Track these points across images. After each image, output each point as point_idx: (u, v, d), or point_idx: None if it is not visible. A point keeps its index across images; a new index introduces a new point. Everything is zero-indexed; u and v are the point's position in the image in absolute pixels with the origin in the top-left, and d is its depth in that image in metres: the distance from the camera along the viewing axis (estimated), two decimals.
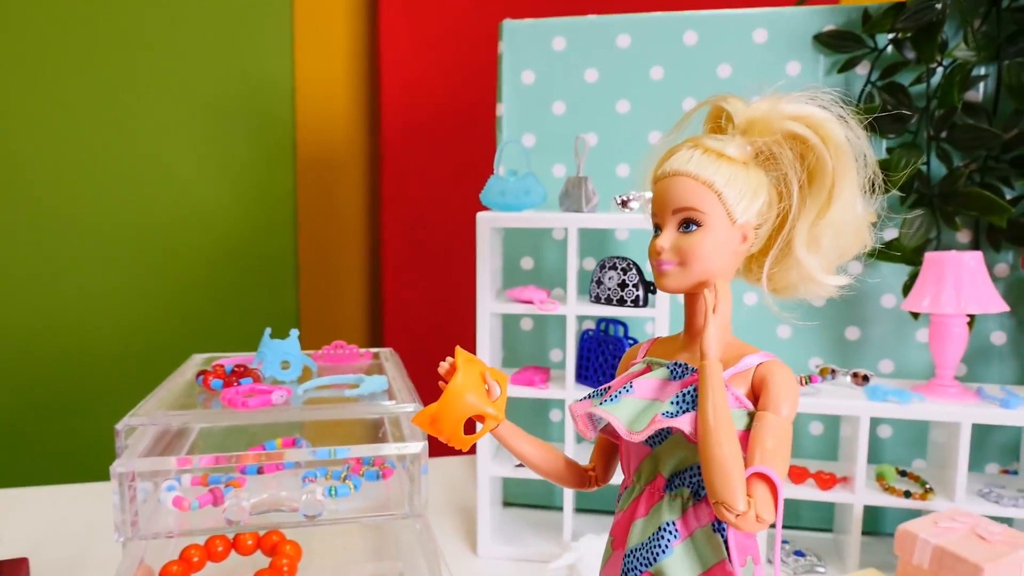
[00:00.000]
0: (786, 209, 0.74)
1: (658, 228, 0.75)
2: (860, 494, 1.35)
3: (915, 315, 1.51)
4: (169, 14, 2.45)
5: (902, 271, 1.51)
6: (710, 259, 0.72)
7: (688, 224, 0.72)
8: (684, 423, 0.68)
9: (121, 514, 0.99)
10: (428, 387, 1.25)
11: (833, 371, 1.43)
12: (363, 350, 1.47)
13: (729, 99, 0.77)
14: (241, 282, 2.63)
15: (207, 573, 1.08)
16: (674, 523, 0.72)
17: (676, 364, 0.75)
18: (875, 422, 1.57)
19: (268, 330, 1.30)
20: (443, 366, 0.78)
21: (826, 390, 1.41)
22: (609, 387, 0.77)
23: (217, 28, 2.51)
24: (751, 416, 0.69)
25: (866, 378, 1.40)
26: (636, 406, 0.73)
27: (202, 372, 1.22)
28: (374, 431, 1.21)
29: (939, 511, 1.28)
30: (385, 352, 1.49)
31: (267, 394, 1.12)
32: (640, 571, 0.73)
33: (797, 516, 1.61)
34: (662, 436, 0.74)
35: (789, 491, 1.39)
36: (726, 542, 0.70)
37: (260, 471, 1.15)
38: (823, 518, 1.59)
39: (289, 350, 1.26)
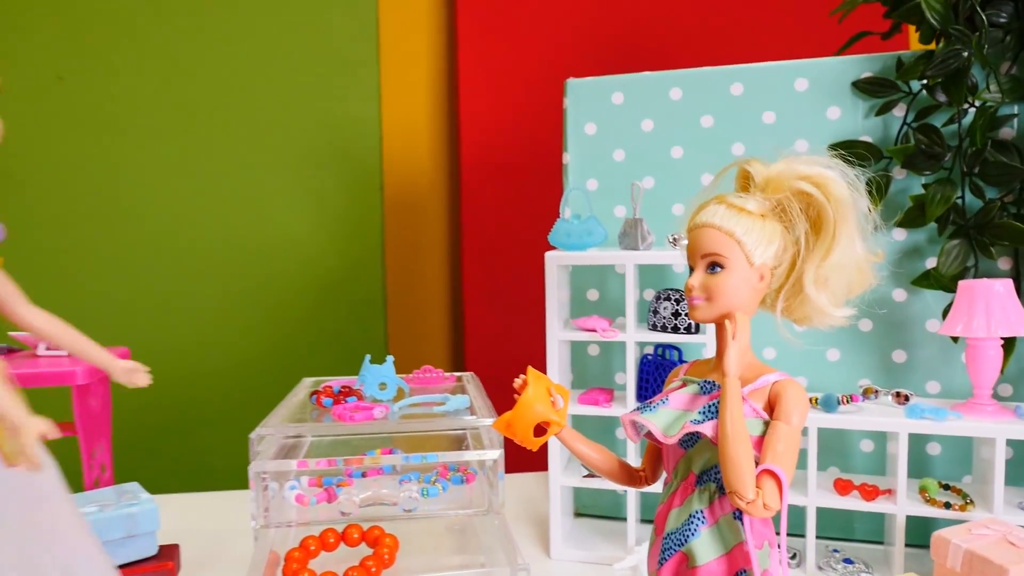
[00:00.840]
0: (797, 250, 0.90)
1: (692, 269, 0.92)
2: (902, 505, 1.46)
3: (955, 339, 1.61)
4: (268, 68, 2.76)
5: (945, 297, 1.62)
6: (732, 295, 0.88)
7: (714, 266, 0.88)
8: (707, 428, 0.85)
9: (256, 506, 1.21)
10: (505, 405, 1.44)
11: (876, 391, 1.55)
12: (448, 374, 1.67)
13: (752, 162, 0.94)
14: (335, 314, 2.90)
15: (321, 560, 1.28)
16: (702, 511, 0.88)
17: (705, 381, 0.92)
18: (924, 440, 1.67)
19: (368, 356, 1.52)
20: (517, 381, 0.96)
21: (869, 408, 1.53)
22: (652, 401, 0.94)
23: (311, 80, 2.81)
24: (766, 424, 0.85)
25: (907, 398, 1.51)
26: (671, 415, 0.90)
27: (314, 392, 1.45)
28: (458, 443, 1.41)
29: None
30: (467, 375, 1.69)
31: (369, 410, 1.33)
32: (674, 551, 0.89)
33: (851, 529, 1.72)
34: (693, 440, 0.90)
35: (840, 503, 1.51)
36: (744, 529, 0.85)
37: (364, 475, 1.36)
38: (875, 531, 1.69)
39: (386, 373, 1.47)
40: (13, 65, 2.69)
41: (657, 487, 1.04)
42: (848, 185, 0.88)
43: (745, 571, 0.85)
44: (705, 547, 0.87)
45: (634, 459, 1.62)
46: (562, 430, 0.96)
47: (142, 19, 2.70)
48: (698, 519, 0.88)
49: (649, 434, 0.95)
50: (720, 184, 0.97)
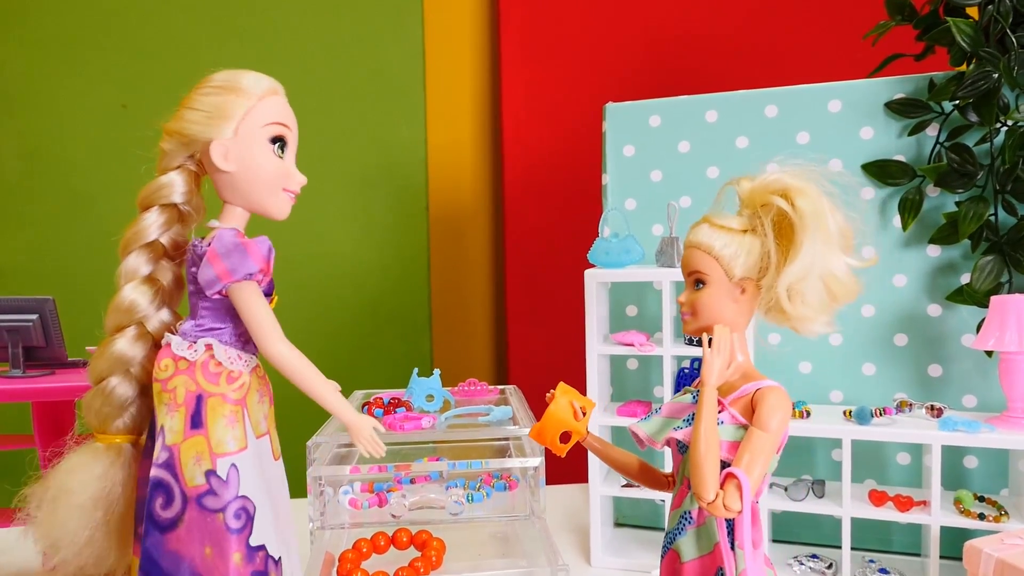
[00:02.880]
0: (771, 264, 0.90)
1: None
2: (936, 515, 1.49)
3: (989, 353, 1.63)
4: (319, 93, 2.89)
5: (980, 312, 1.64)
6: (713, 309, 0.93)
7: (698, 283, 0.94)
8: (681, 434, 0.92)
9: (313, 509, 1.30)
10: None
11: (910, 404, 1.58)
12: (491, 387, 1.74)
13: (740, 180, 0.95)
14: (383, 329, 3.00)
15: (373, 560, 1.36)
16: (691, 513, 0.94)
17: (698, 391, 0.97)
18: (961, 453, 1.68)
19: (416, 370, 1.60)
20: (548, 395, 1.04)
21: (903, 421, 1.56)
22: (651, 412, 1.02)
23: (359, 104, 2.93)
24: (746, 429, 0.89)
25: (940, 411, 1.54)
26: (659, 423, 0.98)
27: (366, 403, 1.53)
28: (501, 452, 1.48)
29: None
30: (510, 388, 1.76)
31: (418, 420, 1.41)
32: (667, 548, 0.96)
33: (888, 541, 1.74)
34: (687, 446, 0.96)
35: (875, 513, 1.54)
36: (731, 530, 0.89)
37: (412, 481, 1.44)
38: (914, 543, 1.71)
39: (433, 386, 1.55)
40: (82, 93, 2.86)
41: None
42: (823, 198, 0.88)
43: (722, 569, 0.89)
44: (689, 545, 0.93)
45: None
46: (585, 438, 1.02)
47: (201, 49, 2.86)
48: (687, 519, 0.94)
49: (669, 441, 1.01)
50: (724, 205, 1.01)
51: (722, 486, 0.85)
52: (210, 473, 1.04)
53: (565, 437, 1.01)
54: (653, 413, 1.00)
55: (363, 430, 1.10)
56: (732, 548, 0.89)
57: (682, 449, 0.97)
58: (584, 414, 1.02)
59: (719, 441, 0.88)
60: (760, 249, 0.91)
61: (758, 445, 0.86)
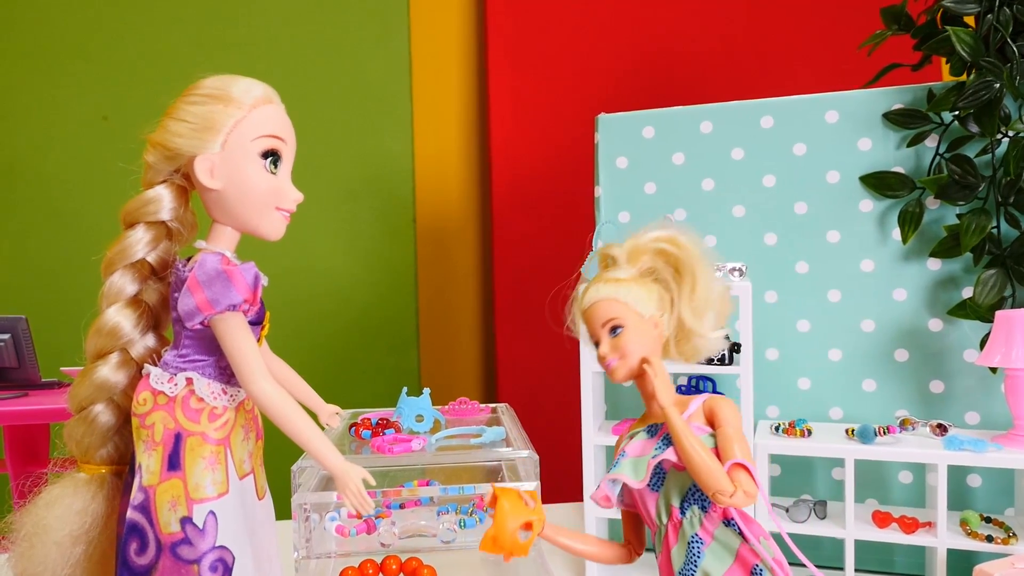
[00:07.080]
0: (671, 297, 0.99)
1: (596, 343, 0.99)
2: (943, 538, 1.44)
3: (993, 369, 1.60)
4: (304, 105, 2.84)
5: (983, 327, 1.60)
6: (638, 345, 0.97)
7: (615, 329, 0.97)
8: (668, 453, 0.92)
9: (298, 536, 1.24)
10: (540, 436, 1.45)
11: (914, 423, 1.54)
12: (483, 405, 1.69)
13: (610, 247, 1.04)
14: (370, 346, 2.94)
15: None
16: (697, 535, 0.94)
17: (650, 426, 0.99)
18: (965, 472, 1.64)
19: (405, 389, 1.54)
20: (487, 498, 1.00)
21: (907, 440, 1.52)
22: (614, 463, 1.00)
23: (345, 116, 2.88)
24: (714, 436, 0.93)
25: (945, 429, 1.50)
26: (632, 463, 0.97)
27: (353, 424, 1.47)
28: (494, 475, 1.42)
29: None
30: (502, 407, 1.70)
31: (407, 442, 1.35)
32: None
33: (891, 562, 1.69)
34: (660, 478, 0.96)
35: (879, 535, 1.50)
36: (740, 531, 0.92)
37: (402, 506, 1.38)
38: (917, 564, 1.67)
39: (423, 405, 1.49)
40: (62, 106, 2.80)
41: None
42: (690, 237, 1.00)
43: (758, 565, 0.91)
44: (715, 563, 0.92)
45: None
46: (544, 526, 0.99)
47: (184, 61, 2.80)
48: (697, 543, 0.93)
49: (622, 493, 1.01)
50: (591, 270, 1.08)
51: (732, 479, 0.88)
52: (185, 520, 0.97)
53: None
54: (620, 458, 0.98)
55: (350, 483, 1.00)
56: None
57: (656, 485, 0.96)
58: (534, 502, 0.98)
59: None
60: (657, 290, 0.99)
61: (737, 436, 0.91)
